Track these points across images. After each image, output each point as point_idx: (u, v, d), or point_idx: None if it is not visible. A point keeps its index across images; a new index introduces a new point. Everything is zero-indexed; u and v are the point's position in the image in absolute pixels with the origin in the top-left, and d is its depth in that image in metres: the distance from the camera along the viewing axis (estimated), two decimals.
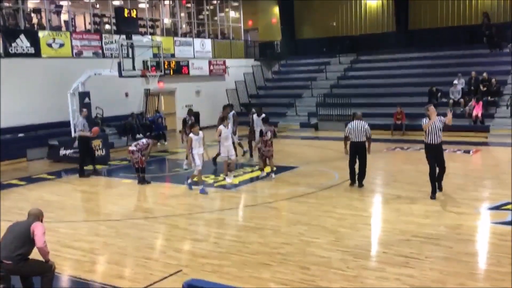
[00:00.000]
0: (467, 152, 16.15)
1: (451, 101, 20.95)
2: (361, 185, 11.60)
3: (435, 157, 10.42)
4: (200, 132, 11.87)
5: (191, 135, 11.84)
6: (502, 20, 24.42)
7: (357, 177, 11.63)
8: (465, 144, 17.32)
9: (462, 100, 20.74)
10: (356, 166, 11.63)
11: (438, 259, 7.13)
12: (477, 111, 19.90)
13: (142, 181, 12.84)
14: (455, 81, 21.21)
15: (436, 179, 10.45)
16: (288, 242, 8.11)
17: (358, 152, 11.51)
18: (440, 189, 10.58)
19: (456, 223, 8.76)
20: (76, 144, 14.96)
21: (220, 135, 12.69)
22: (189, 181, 11.94)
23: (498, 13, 25.11)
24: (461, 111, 20.53)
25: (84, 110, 15.02)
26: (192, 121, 14.60)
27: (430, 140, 10.44)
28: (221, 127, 12.82)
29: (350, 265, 7.05)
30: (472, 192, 11.06)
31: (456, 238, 8.04)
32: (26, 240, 5.86)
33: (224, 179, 12.64)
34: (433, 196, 10.27)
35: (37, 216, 6.15)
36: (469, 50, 24.13)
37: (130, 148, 12.98)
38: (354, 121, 11.57)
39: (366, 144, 11.56)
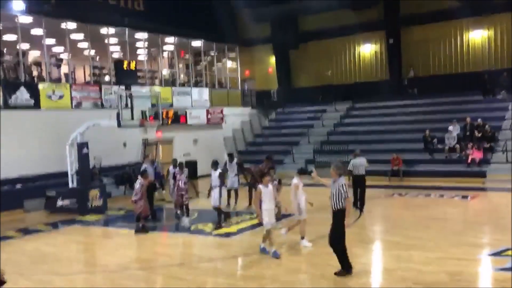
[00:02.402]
0: (465, 197, 16.12)
1: (446, 147, 21.12)
2: (361, 211, 13.64)
3: None
4: (269, 185, 10.04)
5: (260, 186, 9.96)
6: (494, 67, 24.97)
7: (359, 205, 13.73)
8: (463, 189, 17.32)
9: (458, 146, 20.91)
10: None
11: None
12: (475, 156, 20.04)
13: (141, 230, 12.73)
14: (450, 127, 21.44)
15: None
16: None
17: (359, 184, 13.81)
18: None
19: (457, 270, 8.66)
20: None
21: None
22: (262, 245, 10.13)
23: (490, 60, 25.70)
24: (458, 157, 20.67)
25: (149, 154, 15.32)
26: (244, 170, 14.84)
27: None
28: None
29: None
30: (472, 238, 10.97)
31: (458, 284, 7.94)
32: None
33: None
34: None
35: None
36: (463, 97, 24.53)
37: (133, 198, 12.94)
38: (356, 158, 14.14)
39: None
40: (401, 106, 26.06)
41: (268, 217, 9.73)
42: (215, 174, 13.02)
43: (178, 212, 14.02)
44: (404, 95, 26.69)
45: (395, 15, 27.51)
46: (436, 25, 26.64)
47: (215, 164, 13.43)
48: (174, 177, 13.94)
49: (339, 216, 8.42)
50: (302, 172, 11.26)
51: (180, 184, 13.46)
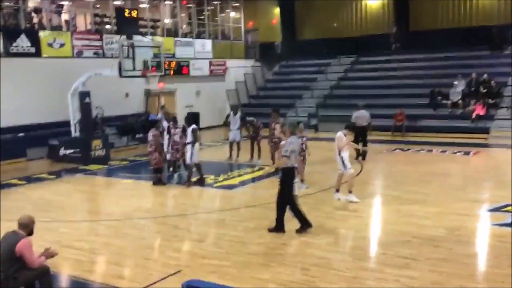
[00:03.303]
0: (467, 153, 16.15)
1: (449, 102, 20.98)
2: (364, 159, 14.83)
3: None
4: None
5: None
6: (503, 22, 24.41)
7: (361, 157, 14.84)
8: (465, 145, 17.32)
9: (461, 101, 20.76)
10: None
11: (437, 261, 7.13)
12: (479, 111, 19.94)
13: (158, 182, 12.64)
14: (455, 82, 21.23)
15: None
16: (288, 243, 8.12)
17: (361, 135, 14.58)
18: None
19: (456, 225, 8.76)
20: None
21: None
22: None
23: (499, 15, 25.11)
24: (461, 113, 20.57)
25: (165, 105, 15.20)
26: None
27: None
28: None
29: (350, 266, 7.05)
30: (472, 194, 11.05)
31: (456, 239, 8.04)
32: (15, 258, 5.69)
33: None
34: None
35: (27, 226, 5.90)
36: (470, 51, 24.13)
37: (148, 149, 12.83)
38: (359, 110, 15.45)
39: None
40: (407, 60, 25.69)
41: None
42: (189, 130, 12.42)
43: (171, 169, 13.34)
44: (411, 49, 26.27)
45: None
46: None
47: (188, 120, 12.83)
48: (169, 132, 13.13)
49: (283, 175, 8.45)
50: (349, 127, 10.95)
51: (175, 138, 12.85)
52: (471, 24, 25.86)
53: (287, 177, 8.42)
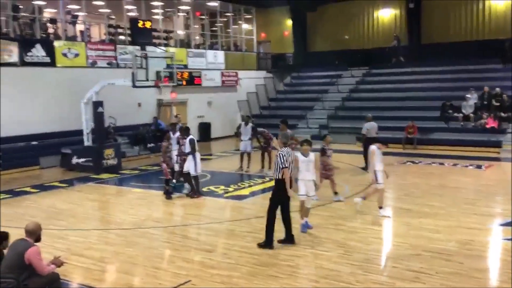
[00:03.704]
0: (479, 167, 16.03)
1: (461, 115, 20.88)
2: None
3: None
4: (311, 154, 9.19)
5: (298, 154, 9.12)
6: None
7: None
8: (477, 159, 17.20)
9: (472, 114, 20.66)
10: None
11: (448, 275, 7.07)
12: (491, 125, 19.82)
13: (166, 193, 12.50)
14: (468, 95, 21.13)
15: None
16: (297, 255, 8.10)
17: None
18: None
19: (467, 239, 8.69)
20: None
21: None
22: (303, 221, 9.32)
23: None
24: (473, 126, 20.46)
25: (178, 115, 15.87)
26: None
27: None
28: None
29: (359, 279, 7.02)
30: (484, 208, 10.96)
31: (467, 253, 7.98)
32: (25, 266, 5.74)
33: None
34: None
35: (34, 233, 5.96)
36: (482, 65, 24.03)
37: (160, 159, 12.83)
38: (368, 122, 15.56)
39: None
40: (418, 73, 25.63)
41: (304, 187, 9.07)
42: (186, 141, 12.29)
43: (174, 181, 12.81)
44: (422, 62, 26.24)
45: None
46: None
47: (185, 131, 12.70)
48: (178, 143, 12.95)
49: (275, 186, 8.48)
50: (380, 140, 10.95)
51: (183, 149, 12.56)
52: (483, 37, 25.78)
53: (277, 187, 8.41)
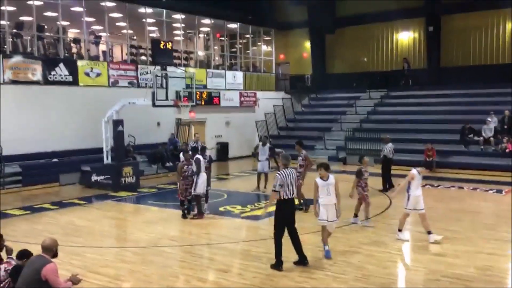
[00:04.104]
0: (499, 191, 15.77)
1: (481, 138, 20.65)
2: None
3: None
4: (331, 176, 8.93)
5: (317, 179, 8.86)
6: None
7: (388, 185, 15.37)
8: (497, 183, 16.93)
9: (492, 138, 20.43)
10: None
11: None
12: (511, 149, 19.59)
13: (182, 214, 12.47)
14: (489, 119, 20.93)
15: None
16: (313, 277, 8.04)
17: (390, 167, 15.79)
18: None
19: (487, 265, 8.53)
20: None
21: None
22: (327, 247, 9.08)
23: None
24: (493, 150, 20.22)
25: (196, 134, 16.06)
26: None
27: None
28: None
29: None
30: (504, 233, 10.74)
31: (487, 279, 7.83)
32: (42, 282, 5.73)
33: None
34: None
35: (51, 249, 5.98)
36: (502, 88, 23.80)
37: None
38: (387, 143, 16.07)
39: None
40: (437, 96, 25.51)
41: (324, 212, 8.82)
42: (193, 161, 12.32)
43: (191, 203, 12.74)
44: (441, 85, 26.11)
45: (436, 2, 26.82)
46: (478, 14, 25.92)
47: (192, 151, 12.72)
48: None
49: (275, 206, 8.52)
50: (424, 165, 10.74)
51: (193, 169, 12.42)
52: (504, 61, 25.58)
53: (278, 208, 8.44)
